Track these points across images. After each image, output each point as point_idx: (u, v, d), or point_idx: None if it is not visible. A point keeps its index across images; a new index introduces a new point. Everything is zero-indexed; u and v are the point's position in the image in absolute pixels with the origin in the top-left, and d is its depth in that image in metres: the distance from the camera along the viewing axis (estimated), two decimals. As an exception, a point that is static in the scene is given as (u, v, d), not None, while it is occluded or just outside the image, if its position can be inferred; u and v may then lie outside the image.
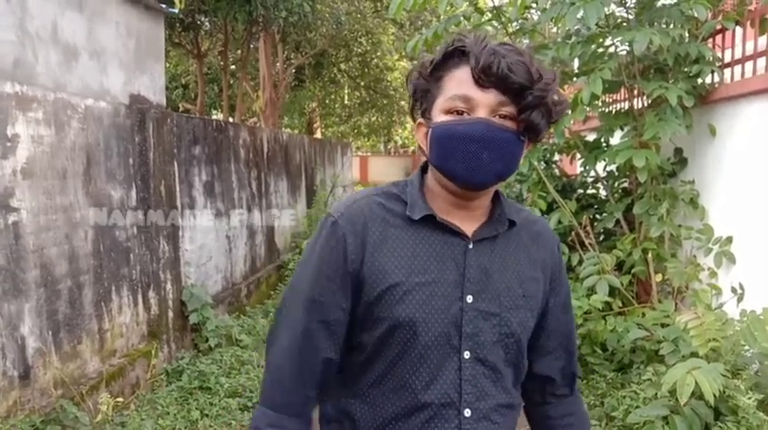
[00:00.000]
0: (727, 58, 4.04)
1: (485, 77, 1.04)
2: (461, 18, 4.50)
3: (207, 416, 3.83)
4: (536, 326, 1.24)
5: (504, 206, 1.19)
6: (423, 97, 1.15)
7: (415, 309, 1.11)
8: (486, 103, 1.06)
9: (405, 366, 1.13)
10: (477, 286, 1.14)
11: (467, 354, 1.12)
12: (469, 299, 1.13)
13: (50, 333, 3.29)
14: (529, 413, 1.37)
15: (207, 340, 4.83)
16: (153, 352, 4.16)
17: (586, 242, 4.33)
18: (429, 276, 1.12)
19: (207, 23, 10.42)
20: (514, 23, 4.84)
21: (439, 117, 1.10)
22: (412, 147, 27.52)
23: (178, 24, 9.62)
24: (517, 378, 1.22)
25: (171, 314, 4.60)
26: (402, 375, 1.13)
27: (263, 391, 1.20)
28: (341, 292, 1.14)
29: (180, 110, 13.78)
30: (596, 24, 3.89)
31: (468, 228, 1.16)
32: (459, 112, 1.07)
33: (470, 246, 1.15)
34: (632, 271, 4.20)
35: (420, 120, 1.16)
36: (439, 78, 1.11)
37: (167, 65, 12.81)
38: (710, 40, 4.22)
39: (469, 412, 1.13)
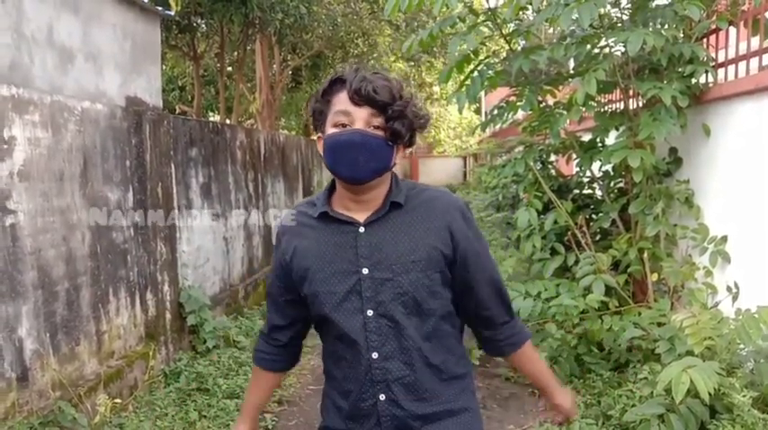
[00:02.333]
0: (721, 59, 4.07)
1: (357, 97, 1.37)
2: (456, 19, 4.51)
3: (205, 417, 3.84)
4: (460, 277, 1.52)
5: (394, 192, 1.49)
6: (318, 116, 1.47)
7: (318, 285, 1.49)
8: (360, 116, 1.38)
9: (327, 325, 1.52)
10: (371, 260, 1.45)
11: (370, 312, 1.46)
12: (365, 271, 1.45)
13: (48, 335, 3.29)
14: (483, 340, 1.68)
15: (205, 342, 4.83)
16: (151, 353, 4.17)
17: (582, 242, 4.35)
18: (329, 259, 1.48)
19: (203, 25, 10.41)
20: (510, 25, 4.85)
21: (329, 129, 1.42)
22: (409, 149, 27.50)
23: (174, 26, 9.61)
24: (426, 324, 1.49)
25: (168, 316, 4.60)
26: (328, 330, 1.53)
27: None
28: (282, 281, 1.59)
29: (177, 112, 13.77)
30: (590, 25, 3.91)
31: (363, 216, 1.48)
32: (343, 125, 1.40)
33: (361, 230, 1.47)
34: (628, 270, 4.22)
35: (319, 134, 1.48)
36: (328, 101, 1.44)
37: (164, 67, 12.79)
38: (704, 40, 4.24)
39: (376, 355, 1.47)
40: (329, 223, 1.49)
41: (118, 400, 3.57)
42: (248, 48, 11.92)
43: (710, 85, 4.07)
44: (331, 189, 1.53)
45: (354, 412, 1.52)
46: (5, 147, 3.02)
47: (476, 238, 1.55)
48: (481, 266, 1.55)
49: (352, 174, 1.41)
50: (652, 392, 3.09)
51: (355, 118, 1.39)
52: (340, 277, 1.46)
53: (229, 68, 13.51)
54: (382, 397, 1.48)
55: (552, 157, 5.54)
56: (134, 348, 4.17)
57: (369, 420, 1.50)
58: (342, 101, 1.40)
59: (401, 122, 1.40)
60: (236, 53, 12.29)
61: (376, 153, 1.40)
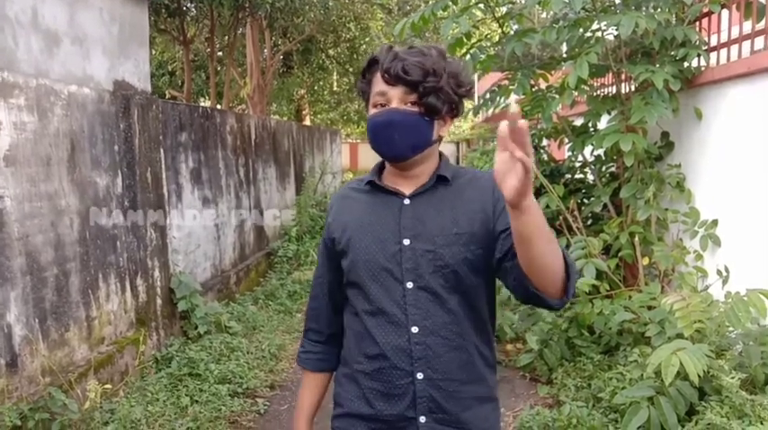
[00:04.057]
0: (713, 43, 4.05)
1: (389, 77, 1.39)
2: (449, 2, 4.47)
3: (197, 402, 3.84)
4: (503, 247, 1.39)
5: (442, 168, 1.50)
6: (364, 95, 1.51)
7: (358, 253, 1.48)
8: (395, 95, 1.40)
9: (362, 296, 1.48)
10: (413, 231, 1.44)
11: (409, 284, 1.43)
12: (407, 241, 1.44)
13: (37, 321, 3.27)
14: (516, 286, 1.43)
15: (196, 327, 4.82)
16: (141, 339, 4.16)
17: (574, 226, 4.35)
18: (370, 228, 1.48)
19: (193, 9, 10.30)
20: (502, 8, 4.82)
21: (370, 110, 1.46)
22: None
23: (164, 10, 9.49)
24: (468, 301, 1.45)
25: (159, 301, 4.58)
26: (362, 303, 1.48)
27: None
28: (327, 257, 1.59)
29: (167, 97, 13.64)
30: (583, 8, 3.89)
31: (409, 189, 1.48)
32: (382, 105, 1.42)
33: (405, 202, 1.47)
34: (619, 254, 4.23)
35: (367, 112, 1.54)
36: (369, 81, 1.48)
37: (153, 51, 12.66)
38: (697, 23, 4.23)
39: (417, 329, 1.42)
40: (376, 193, 1.52)
41: (108, 386, 3.56)
42: (239, 32, 11.81)
43: (702, 68, 4.06)
44: (382, 164, 1.56)
45: (387, 391, 1.44)
46: (-10, 131, 2.97)
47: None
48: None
49: (390, 152, 1.45)
50: (642, 375, 3.11)
51: (391, 97, 1.41)
52: (380, 245, 1.45)
53: (220, 53, 13.38)
54: (420, 375, 1.42)
55: (544, 142, 5.54)
56: (125, 334, 4.15)
57: (402, 400, 1.43)
58: (378, 81, 1.43)
59: (436, 97, 1.39)
60: (226, 38, 12.17)
61: (412, 129, 1.41)
